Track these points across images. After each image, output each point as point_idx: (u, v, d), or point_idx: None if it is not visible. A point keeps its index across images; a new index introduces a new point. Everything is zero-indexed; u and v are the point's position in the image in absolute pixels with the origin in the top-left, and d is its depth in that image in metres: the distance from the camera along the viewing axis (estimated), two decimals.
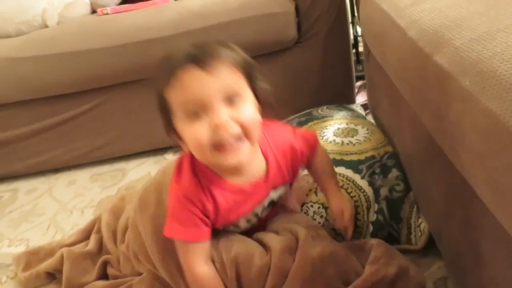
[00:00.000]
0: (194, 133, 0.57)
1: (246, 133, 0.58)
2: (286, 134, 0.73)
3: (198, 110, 0.57)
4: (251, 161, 0.64)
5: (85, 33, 1.30)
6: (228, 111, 0.57)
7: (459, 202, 0.63)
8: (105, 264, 0.90)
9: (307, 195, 0.89)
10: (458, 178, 0.56)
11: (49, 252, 0.99)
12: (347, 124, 1.09)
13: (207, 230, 0.66)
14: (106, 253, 0.93)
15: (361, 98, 1.52)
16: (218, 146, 0.57)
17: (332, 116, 1.15)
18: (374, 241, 0.76)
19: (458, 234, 0.65)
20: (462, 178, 0.54)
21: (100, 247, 0.95)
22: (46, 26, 1.46)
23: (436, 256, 0.83)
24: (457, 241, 0.66)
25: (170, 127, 0.63)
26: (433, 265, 0.82)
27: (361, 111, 1.30)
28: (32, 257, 1.00)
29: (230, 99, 0.57)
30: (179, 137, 0.62)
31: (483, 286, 0.59)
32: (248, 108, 0.59)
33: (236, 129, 0.57)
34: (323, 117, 1.16)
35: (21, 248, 1.11)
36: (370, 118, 1.26)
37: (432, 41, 0.56)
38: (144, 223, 0.77)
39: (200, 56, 0.57)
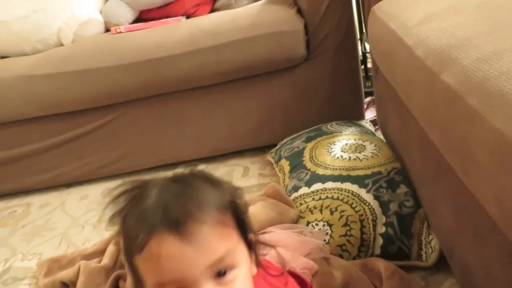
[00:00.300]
0: None
1: None
2: None
3: None
4: None
5: (99, 51, 1.33)
6: None
7: (469, 219, 0.63)
8: (118, 278, 0.91)
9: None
10: (468, 196, 0.57)
11: (70, 261, 1.01)
12: (355, 140, 1.09)
13: None
14: (121, 267, 0.94)
15: (370, 114, 1.52)
16: None
17: (341, 132, 1.16)
18: (382, 264, 0.76)
19: (469, 251, 0.65)
20: (472, 196, 0.54)
21: (116, 261, 0.96)
22: (61, 45, 1.50)
23: (448, 273, 0.82)
24: (467, 259, 0.66)
25: None
26: (445, 282, 0.82)
27: (370, 127, 1.31)
28: (54, 264, 1.01)
29: (219, 273, 0.46)
30: None
31: None
32: (242, 280, 0.48)
33: None
34: (332, 132, 1.17)
35: (34, 262, 1.13)
36: (379, 134, 1.27)
37: (439, 60, 0.57)
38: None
39: (180, 220, 0.44)
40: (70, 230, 1.24)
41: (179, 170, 1.48)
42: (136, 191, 0.49)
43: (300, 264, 0.70)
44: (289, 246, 0.72)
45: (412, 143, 0.87)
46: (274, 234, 0.71)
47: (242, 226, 0.51)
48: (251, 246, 0.53)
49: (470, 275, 0.67)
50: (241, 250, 0.50)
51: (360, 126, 1.24)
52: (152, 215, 0.45)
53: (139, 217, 0.46)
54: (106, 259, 0.96)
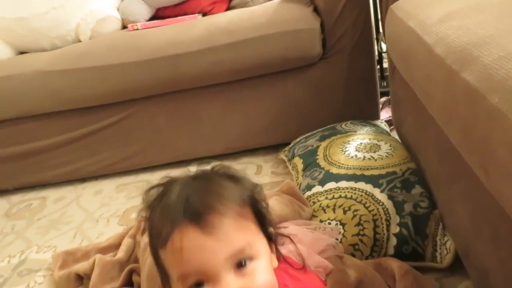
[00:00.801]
0: None
1: None
2: None
3: (201, 282, 0.47)
4: None
5: (116, 48, 1.34)
6: (237, 282, 0.46)
7: (487, 220, 0.62)
8: (132, 272, 0.92)
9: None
10: (486, 196, 0.56)
11: (85, 254, 1.02)
12: (370, 139, 1.09)
13: None
14: (135, 261, 0.95)
15: (385, 114, 1.51)
16: None
17: (355, 131, 1.16)
18: (396, 263, 0.75)
19: (486, 253, 0.64)
20: (490, 196, 0.53)
21: (131, 254, 0.97)
22: (79, 41, 1.52)
23: (463, 275, 0.81)
24: (485, 260, 0.65)
25: (167, 284, 0.52)
26: (459, 284, 0.81)
27: (386, 127, 1.30)
28: (69, 257, 1.03)
29: (240, 264, 0.47)
30: None
31: None
32: (262, 271, 0.49)
33: None
34: (347, 132, 1.17)
35: (49, 255, 1.14)
36: (394, 134, 1.25)
37: (460, 58, 0.56)
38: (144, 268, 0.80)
39: (200, 212, 0.46)
40: (84, 224, 1.26)
41: (193, 168, 1.49)
42: (162, 188, 0.52)
43: (315, 262, 0.70)
44: (303, 242, 0.72)
45: (429, 143, 0.86)
46: (289, 229, 0.71)
47: (262, 219, 0.52)
48: (271, 239, 0.54)
49: (488, 278, 0.66)
50: (261, 242, 0.51)
51: (375, 125, 1.23)
52: (174, 209, 0.48)
53: (163, 212, 0.49)
54: (121, 253, 0.97)
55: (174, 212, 0.47)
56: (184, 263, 0.46)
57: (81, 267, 0.97)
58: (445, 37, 0.64)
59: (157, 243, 0.49)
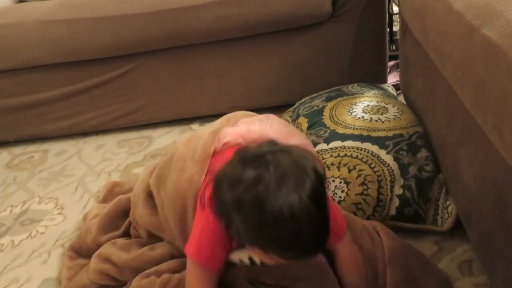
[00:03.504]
0: None
1: None
2: None
3: None
4: None
5: None
6: None
7: (494, 183, 0.61)
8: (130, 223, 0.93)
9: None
10: (496, 158, 0.55)
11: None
12: (377, 102, 1.07)
13: (222, 262, 0.67)
14: None
15: (392, 78, 1.48)
16: None
17: (362, 94, 1.14)
18: (387, 243, 0.76)
19: (490, 216, 0.64)
20: (500, 158, 0.52)
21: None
22: None
23: (462, 239, 0.82)
24: (488, 223, 0.65)
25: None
26: (458, 247, 0.81)
27: (393, 91, 1.28)
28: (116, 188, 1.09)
29: None
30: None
31: None
32: None
33: None
34: (354, 94, 1.15)
35: (50, 206, 1.15)
36: (401, 99, 1.23)
37: (481, 13, 0.53)
38: (165, 187, 0.78)
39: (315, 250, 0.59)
40: (85, 178, 1.26)
41: (195, 126, 1.46)
42: (257, 186, 0.54)
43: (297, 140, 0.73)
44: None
45: (438, 106, 0.84)
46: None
47: None
48: None
49: (489, 240, 0.66)
50: None
51: (383, 89, 1.21)
52: (306, 244, 0.55)
53: (292, 238, 0.54)
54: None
55: (305, 246, 0.56)
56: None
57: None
58: None
59: (266, 243, 0.56)
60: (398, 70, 1.35)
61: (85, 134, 1.51)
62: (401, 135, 0.92)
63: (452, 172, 0.81)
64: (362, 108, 1.03)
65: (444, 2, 0.65)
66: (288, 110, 1.33)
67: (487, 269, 0.69)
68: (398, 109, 1.03)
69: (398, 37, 1.30)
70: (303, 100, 1.26)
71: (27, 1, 1.50)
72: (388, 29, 1.57)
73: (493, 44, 0.48)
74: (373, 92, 1.15)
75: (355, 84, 1.22)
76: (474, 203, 0.70)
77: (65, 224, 1.07)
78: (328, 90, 1.22)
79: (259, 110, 1.42)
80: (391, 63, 1.53)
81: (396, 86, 1.38)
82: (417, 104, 1.06)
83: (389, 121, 0.97)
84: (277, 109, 1.41)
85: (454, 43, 0.60)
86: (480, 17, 0.53)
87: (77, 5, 1.32)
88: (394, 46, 1.61)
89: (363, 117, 0.99)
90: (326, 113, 1.07)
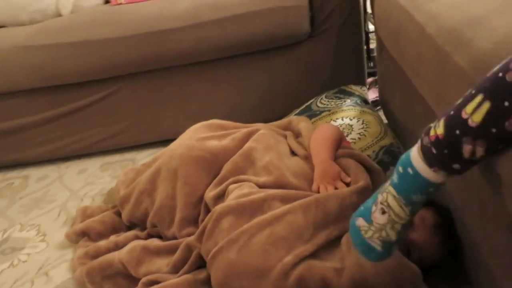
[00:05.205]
0: None
1: None
2: None
3: None
4: None
5: (99, 23, 1.31)
6: None
7: (475, 194, 0.63)
8: None
9: None
10: (475, 171, 0.57)
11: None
12: (342, 119, 1.09)
13: None
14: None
15: (372, 94, 1.52)
16: None
17: (329, 110, 1.16)
18: None
19: (474, 227, 0.65)
20: (476, 170, 0.54)
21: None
22: (60, 15, 1.46)
23: None
24: (471, 234, 0.67)
25: None
26: None
27: (362, 90, 1.30)
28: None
29: None
30: None
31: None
32: None
33: None
34: (321, 111, 1.17)
35: (32, 233, 1.13)
36: (381, 114, 1.26)
37: (452, 39, 0.56)
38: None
39: None
40: (68, 203, 1.24)
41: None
42: None
43: None
44: None
45: (417, 121, 0.87)
46: None
47: None
48: None
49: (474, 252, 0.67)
50: None
51: (349, 94, 1.23)
52: None
53: None
54: None
55: None
56: None
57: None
58: (436, 16, 0.64)
59: None
60: (377, 86, 1.38)
61: (67, 158, 1.49)
62: (368, 156, 0.94)
63: None
64: None
65: (417, 24, 0.67)
66: None
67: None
68: (363, 122, 1.05)
69: (375, 54, 1.33)
70: None
71: (4, 27, 1.49)
72: (365, 47, 1.62)
73: (465, 72, 0.50)
74: (339, 103, 1.18)
75: (323, 96, 1.25)
76: (456, 214, 0.72)
77: (48, 251, 1.05)
78: (298, 111, 1.24)
79: None
80: (369, 80, 1.57)
81: (375, 102, 1.41)
82: (396, 119, 1.09)
83: (354, 142, 1.00)
84: None
85: (429, 66, 0.62)
86: (451, 43, 0.55)
87: (56, 30, 1.32)
88: (372, 63, 1.66)
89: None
90: None
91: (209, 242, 0.80)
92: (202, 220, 0.88)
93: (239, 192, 0.83)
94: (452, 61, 0.54)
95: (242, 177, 0.89)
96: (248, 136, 0.98)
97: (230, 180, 0.89)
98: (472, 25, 0.54)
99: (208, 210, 0.90)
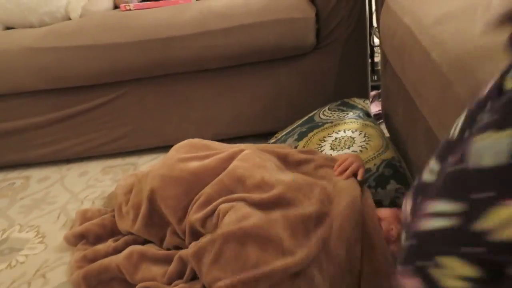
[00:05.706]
0: None
1: None
2: None
3: None
4: None
5: (107, 27, 1.32)
6: None
7: None
8: None
9: None
10: None
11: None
12: (344, 131, 1.10)
13: None
14: None
15: (375, 107, 1.52)
16: None
17: (331, 123, 1.16)
18: None
19: None
20: None
21: None
22: (69, 18, 1.48)
23: None
24: None
25: None
26: None
27: (364, 103, 1.30)
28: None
29: None
30: None
31: None
32: None
33: None
34: (324, 123, 1.17)
35: (31, 234, 1.13)
36: (383, 127, 1.27)
37: (455, 68, 0.55)
38: None
39: None
40: (69, 205, 1.25)
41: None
42: None
43: None
44: None
45: (419, 136, 0.87)
46: None
47: None
48: None
49: None
50: None
51: (352, 107, 1.24)
52: None
53: None
54: None
55: None
56: None
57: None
58: (441, 42, 0.63)
59: None
60: (380, 99, 1.39)
61: (69, 160, 1.50)
62: (368, 170, 0.95)
63: None
64: (330, 143, 1.06)
65: (422, 48, 0.67)
66: (268, 142, 1.34)
67: None
68: (365, 135, 1.06)
69: (379, 67, 1.34)
70: (280, 136, 1.28)
71: (14, 28, 1.50)
72: (369, 60, 1.62)
73: (463, 104, 0.50)
74: (342, 116, 1.18)
75: (326, 108, 1.25)
76: None
77: (47, 253, 1.06)
78: (301, 122, 1.24)
79: (244, 137, 1.45)
80: (373, 93, 1.58)
81: (378, 115, 1.42)
82: (398, 133, 1.09)
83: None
84: (263, 136, 1.43)
85: (431, 92, 0.62)
86: (454, 72, 0.55)
87: (65, 33, 1.33)
88: (376, 77, 1.66)
89: (331, 155, 1.02)
90: None
91: (215, 271, 0.77)
92: (189, 243, 0.87)
93: (236, 215, 0.81)
94: (453, 91, 0.54)
95: (234, 196, 0.86)
96: (232, 157, 0.95)
97: (220, 200, 0.86)
98: (478, 58, 0.53)
99: (193, 232, 0.88)
